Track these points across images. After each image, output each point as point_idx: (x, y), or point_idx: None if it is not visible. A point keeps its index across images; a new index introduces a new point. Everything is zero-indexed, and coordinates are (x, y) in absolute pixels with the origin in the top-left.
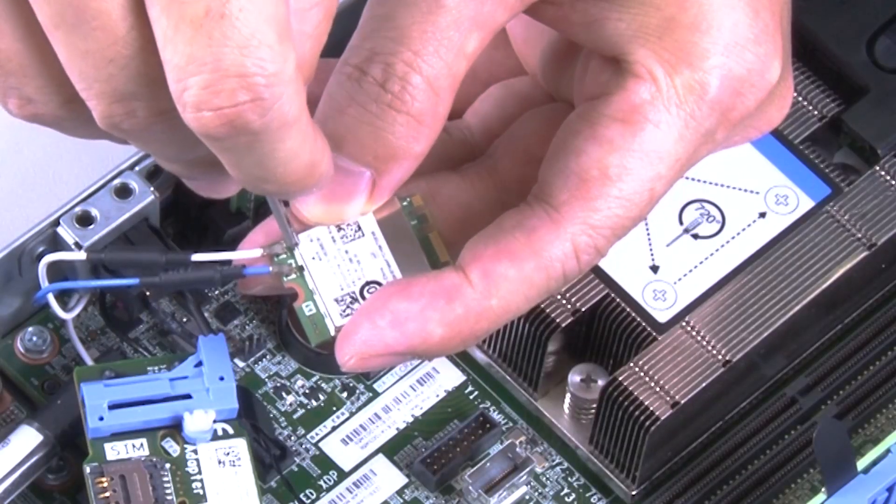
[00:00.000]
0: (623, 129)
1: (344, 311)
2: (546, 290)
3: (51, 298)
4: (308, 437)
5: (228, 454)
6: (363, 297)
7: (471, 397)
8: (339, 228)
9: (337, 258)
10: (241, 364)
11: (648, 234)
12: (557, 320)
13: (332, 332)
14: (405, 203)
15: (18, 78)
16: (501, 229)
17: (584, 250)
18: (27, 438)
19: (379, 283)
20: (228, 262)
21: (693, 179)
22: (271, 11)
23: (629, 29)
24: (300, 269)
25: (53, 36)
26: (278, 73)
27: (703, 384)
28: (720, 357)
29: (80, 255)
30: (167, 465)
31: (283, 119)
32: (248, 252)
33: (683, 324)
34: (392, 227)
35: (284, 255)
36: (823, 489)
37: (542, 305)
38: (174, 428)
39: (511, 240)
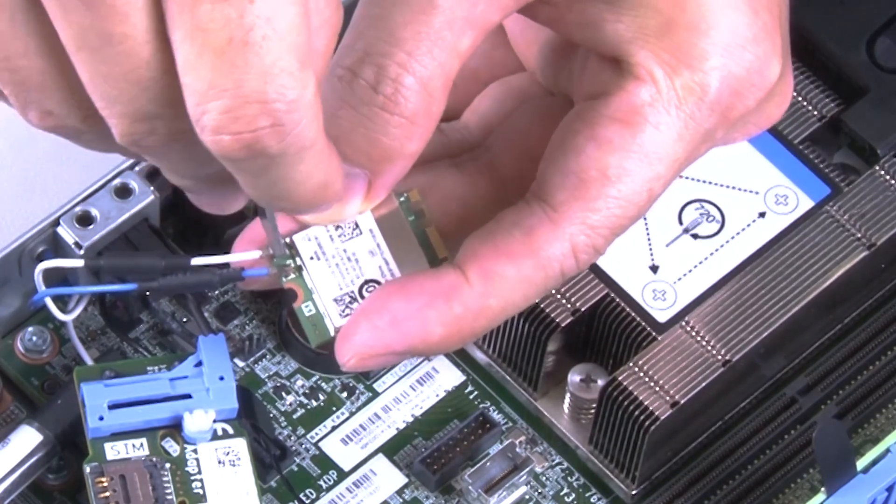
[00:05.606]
0: (622, 130)
1: (343, 311)
2: (544, 288)
3: (49, 302)
4: (308, 436)
5: (228, 454)
6: (362, 297)
7: (471, 397)
8: (337, 227)
9: (335, 257)
10: (241, 364)
11: (648, 234)
12: (557, 320)
13: (332, 333)
14: (402, 199)
15: (39, 92)
16: (500, 228)
17: (582, 250)
18: (27, 438)
19: (378, 282)
20: (227, 265)
21: (693, 179)
22: (294, 39)
23: (628, 30)
24: (299, 269)
25: (76, 57)
26: (298, 98)
27: (703, 384)
28: (720, 357)
29: (78, 263)
30: (167, 465)
31: (301, 143)
32: (246, 254)
33: (683, 324)
34: (390, 224)
35: (283, 256)
36: (823, 489)
37: (542, 305)
38: (174, 428)
39: (509, 239)
